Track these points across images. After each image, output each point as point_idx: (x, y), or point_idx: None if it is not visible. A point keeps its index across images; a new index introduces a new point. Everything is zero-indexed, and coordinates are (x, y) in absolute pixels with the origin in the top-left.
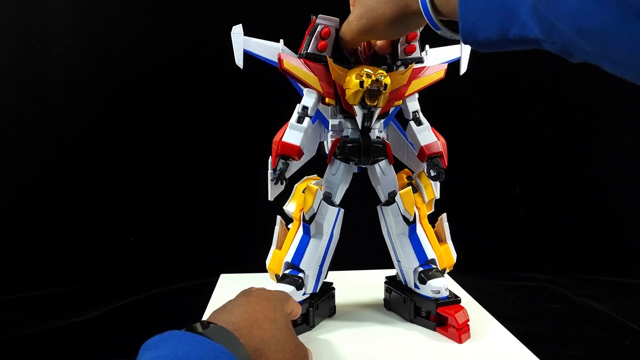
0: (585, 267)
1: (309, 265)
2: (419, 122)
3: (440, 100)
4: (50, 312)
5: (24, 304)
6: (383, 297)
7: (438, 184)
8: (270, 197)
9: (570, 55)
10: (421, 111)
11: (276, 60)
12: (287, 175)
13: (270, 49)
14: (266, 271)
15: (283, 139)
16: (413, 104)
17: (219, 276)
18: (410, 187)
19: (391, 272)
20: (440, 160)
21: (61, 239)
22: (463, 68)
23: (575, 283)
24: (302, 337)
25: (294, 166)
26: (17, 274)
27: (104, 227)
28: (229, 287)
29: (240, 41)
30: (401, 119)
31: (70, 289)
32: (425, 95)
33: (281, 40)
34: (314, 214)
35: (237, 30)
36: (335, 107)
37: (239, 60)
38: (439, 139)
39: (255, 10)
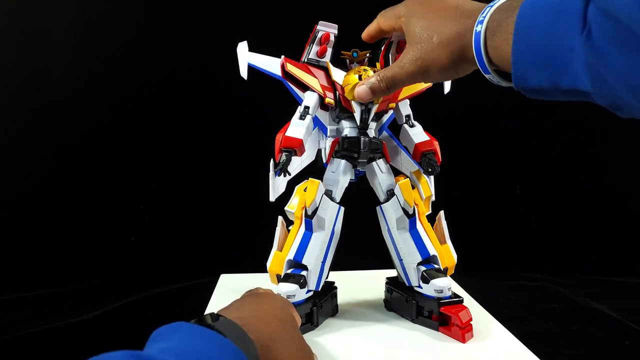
0: (585, 267)
1: (312, 260)
2: (411, 125)
3: (439, 100)
4: (50, 312)
5: (24, 304)
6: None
7: (432, 180)
8: (272, 198)
9: (620, 109)
10: (420, 114)
11: (277, 73)
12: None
13: (272, 63)
14: (266, 271)
15: (286, 133)
16: (405, 109)
17: (219, 276)
18: (408, 179)
19: (391, 273)
20: (434, 157)
21: (61, 239)
22: (447, 88)
23: (575, 283)
24: (305, 337)
25: (295, 167)
26: (17, 274)
27: (104, 226)
28: (229, 287)
29: (245, 56)
30: (395, 130)
31: (70, 289)
32: (426, 95)
33: (282, 56)
34: (316, 208)
35: (242, 46)
36: (333, 111)
37: (244, 73)
38: (432, 140)
39: (257, 18)
